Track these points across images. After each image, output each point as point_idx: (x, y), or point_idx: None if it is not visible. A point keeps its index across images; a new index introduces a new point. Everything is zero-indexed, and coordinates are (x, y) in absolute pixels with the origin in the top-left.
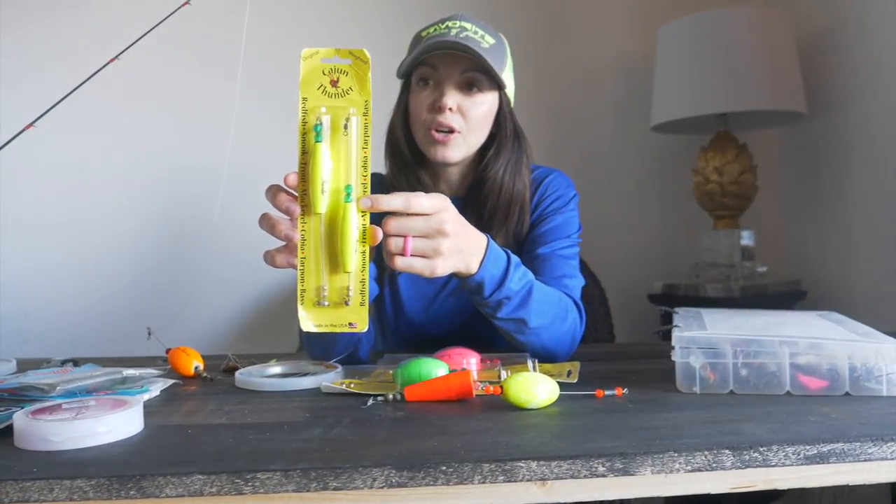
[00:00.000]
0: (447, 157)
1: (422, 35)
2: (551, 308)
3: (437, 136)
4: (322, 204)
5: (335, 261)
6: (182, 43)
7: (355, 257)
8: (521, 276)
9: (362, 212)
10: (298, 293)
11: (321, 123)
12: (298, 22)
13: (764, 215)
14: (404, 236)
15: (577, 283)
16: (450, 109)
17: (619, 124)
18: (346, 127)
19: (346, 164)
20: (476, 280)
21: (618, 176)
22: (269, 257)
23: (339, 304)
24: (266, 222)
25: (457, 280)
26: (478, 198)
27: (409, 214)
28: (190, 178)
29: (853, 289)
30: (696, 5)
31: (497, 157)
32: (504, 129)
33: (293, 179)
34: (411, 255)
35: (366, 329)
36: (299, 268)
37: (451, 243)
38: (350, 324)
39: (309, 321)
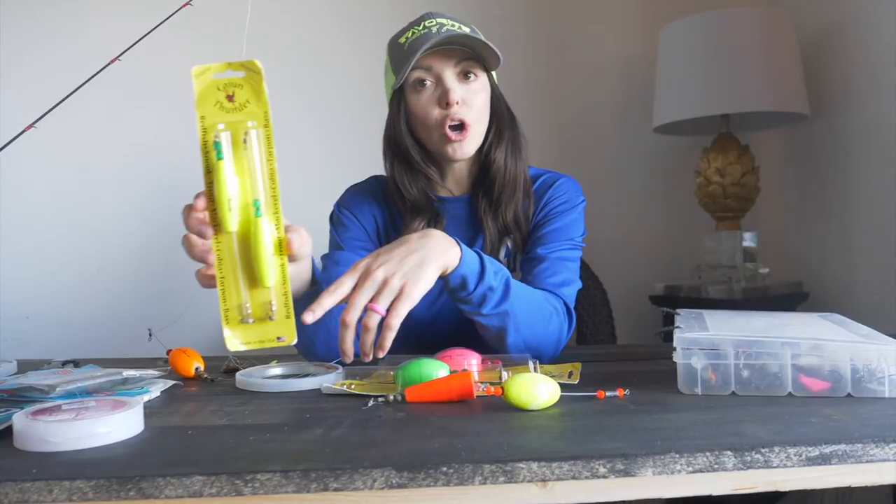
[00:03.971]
0: (465, 153)
1: (400, 41)
2: (533, 305)
3: (453, 134)
4: (232, 221)
5: (254, 277)
6: (184, 43)
7: (273, 271)
8: (496, 267)
9: (276, 222)
10: (221, 313)
11: (220, 140)
12: (300, 22)
13: (766, 217)
14: (370, 310)
15: (573, 287)
16: (457, 103)
17: (621, 125)
18: (245, 141)
19: (251, 178)
20: (459, 273)
21: (620, 177)
22: (198, 278)
23: (263, 320)
24: (185, 244)
25: None
26: (485, 183)
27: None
28: (191, 179)
29: (855, 290)
30: (698, 6)
31: (499, 140)
32: (499, 109)
33: (201, 204)
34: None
35: (294, 342)
36: (219, 287)
37: (402, 266)
38: (279, 338)
39: (235, 339)
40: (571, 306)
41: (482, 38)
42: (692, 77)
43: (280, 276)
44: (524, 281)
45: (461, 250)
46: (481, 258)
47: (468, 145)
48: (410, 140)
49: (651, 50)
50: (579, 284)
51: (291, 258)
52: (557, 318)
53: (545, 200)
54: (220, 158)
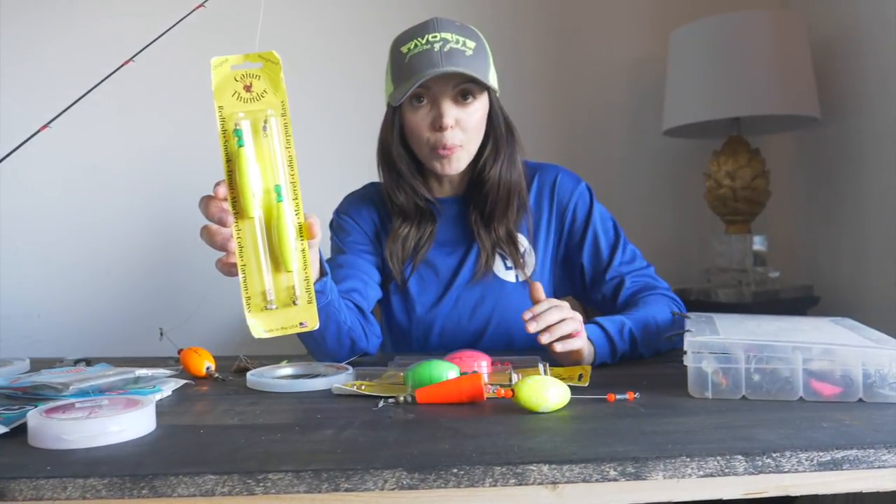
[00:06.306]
0: (453, 170)
1: (402, 51)
2: (653, 326)
3: (442, 151)
4: (254, 207)
5: (276, 263)
6: (195, 44)
7: (295, 255)
8: (617, 330)
9: (296, 208)
10: (244, 301)
11: (241, 128)
12: (312, 24)
13: (776, 220)
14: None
15: (650, 268)
16: (451, 127)
17: (631, 128)
18: (264, 129)
19: (271, 164)
20: (595, 364)
21: (630, 180)
22: (218, 267)
23: (287, 305)
24: (205, 234)
25: (466, 275)
26: (479, 195)
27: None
28: (202, 179)
29: (866, 294)
30: (708, 9)
31: (495, 157)
32: (497, 126)
33: (223, 191)
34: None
35: (317, 327)
36: (240, 275)
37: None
38: (301, 323)
39: (259, 327)
40: (661, 282)
41: (476, 74)
42: (702, 80)
43: (301, 261)
44: (621, 298)
45: (594, 355)
46: (609, 339)
47: (455, 163)
48: (400, 150)
49: (661, 53)
50: (648, 265)
51: (310, 244)
52: (672, 305)
53: (557, 206)
54: (241, 145)
